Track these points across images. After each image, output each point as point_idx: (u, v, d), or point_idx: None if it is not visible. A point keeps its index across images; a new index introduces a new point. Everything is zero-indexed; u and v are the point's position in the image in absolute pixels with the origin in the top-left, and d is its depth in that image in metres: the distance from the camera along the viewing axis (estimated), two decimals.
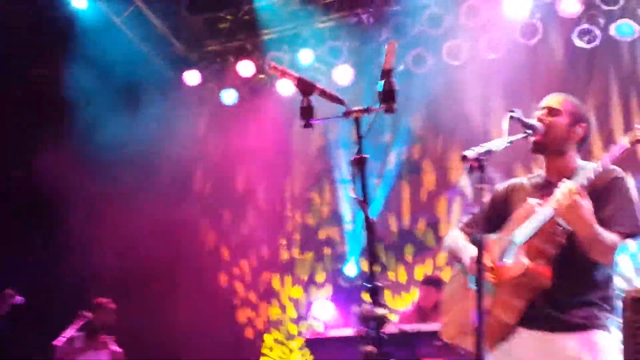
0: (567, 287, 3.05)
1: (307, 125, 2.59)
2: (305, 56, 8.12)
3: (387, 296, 7.74)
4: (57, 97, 8.10)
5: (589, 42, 6.87)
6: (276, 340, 8.41)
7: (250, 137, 8.82)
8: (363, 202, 2.40)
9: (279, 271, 8.68)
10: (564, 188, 2.96)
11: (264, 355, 8.37)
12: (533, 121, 3.19)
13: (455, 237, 3.42)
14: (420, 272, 7.80)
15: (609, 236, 3.00)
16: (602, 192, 3.09)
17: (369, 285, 2.34)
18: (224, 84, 8.59)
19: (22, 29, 7.70)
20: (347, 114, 2.53)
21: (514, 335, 3.11)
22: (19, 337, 7.17)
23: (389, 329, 2.30)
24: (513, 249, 3.11)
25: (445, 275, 7.63)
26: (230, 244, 8.99)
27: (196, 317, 8.19)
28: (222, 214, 9.07)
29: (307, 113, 2.59)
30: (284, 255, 8.72)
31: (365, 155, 2.45)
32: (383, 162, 8.07)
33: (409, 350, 5.56)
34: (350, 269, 8.17)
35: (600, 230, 2.97)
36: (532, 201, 3.18)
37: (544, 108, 3.27)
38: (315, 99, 2.68)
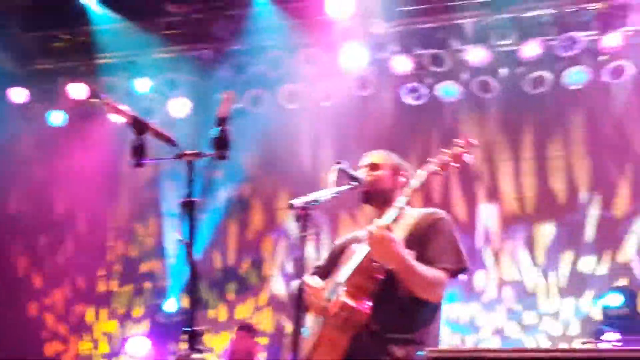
0: (388, 324, 3.12)
1: (138, 165, 2.53)
2: (142, 85, 7.97)
3: (206, 335, 7.63)
4: None
5: (415, 99, 7.29)
6: None
7: (76, 162, 8.49)
8: (189, 244, 2.38)
9: (94, 303, 8.31)
10: (374, 224, 3.08)
11: None
12: (358, 174, 3.33)
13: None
14: (242, 310, 7.78)
15: (431, 271, 3.10)
16: (426, 233, 3.22)
17: (188, 330, 2.32)
18: (53, 105, 8.22)
19: None
20: (179, 156, 2.51)
21: None
22: None
23: None
24: (337, 288, 3.19)
25: (265, 315, 7.70)
26: (43, 271, 8.52)
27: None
28: (37, 238, 8.59)
29: (138, 152, 2.54)
30: (102, 287, 8.38)
31: (195, 199, 2.44)
32: (212, 198, 8.03)
33: None
34: (171, 305, 7.97)
35: (417, 264, 3.09)
36: (355, 245, 3.30)
37: (366, 165, 3.43)
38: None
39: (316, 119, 7.77)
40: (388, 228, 3.07)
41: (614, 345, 5.72)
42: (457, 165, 3.18)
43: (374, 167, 3.42)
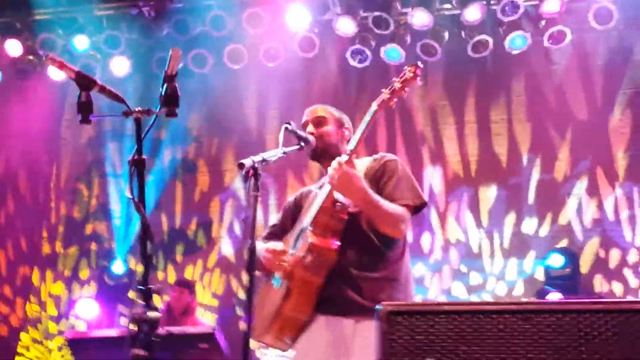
0: (357, 263, 3.18)
1: (86, 121, 2.48)
2: (81, 42, 7.72)
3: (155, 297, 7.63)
4: None
5: (360, 61, 7.23)
6: (34, 340, 7.98)
7: (14, 120, 8.26)
8: (139, 203, 2.34)
9: (38, 265, 8.22)
10: (334, 163, 3.09)
11: (19, 355, 7.90)
12: (305, 134, 3.37)
13: (259, 249, 3.43)
14: (190, 272, 7.80)
15: (394, 207, 3.16)
16: (381, 175, 3.29)
17: (142, 288, 2.29)
18: None
19: None
20: (127, 113, 2.46)
21: (313, 324, 3.21)
22: None
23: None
24: (302, 234, 3.22)
25: (214, 277, 7.74)
26: None
27: None
28: None
29: (85, 108, 2.48)
30: (46, 249, 8.28)
31: (144, 157, 2.40)
32: (157, 159, 7.93)
33: (174, 352, 5.57)
34: (118, 267, 7.93)
35: (380, 199, 3.13)
36: (313, 194, 3.35)
37: (312, 120, 3.44)
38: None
39: (261, 79, 7.66)
40: (350, 163, 3.08)
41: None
42: (406, 90, 3.18)
43: (320, 121, 3.44)
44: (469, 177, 7.29)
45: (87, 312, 7.81)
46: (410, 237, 7.13)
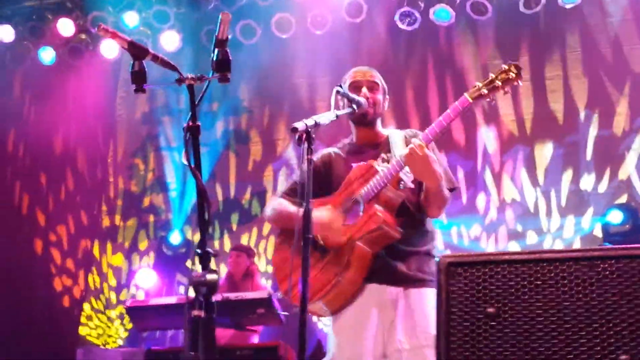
0: (407, 238, 3.23)
1: (140, 90, 2.45)
2: (131, 18, 7.83)
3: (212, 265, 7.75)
4: None
5: (409, 24, 7.15)
6: (96, 310, 8.20)
7: (70, 99, 8.43)
8: (195, 169, 2.34)
9: (99, 238, 8.42)
10: (415, 142, 3.08)
11: (82, 324, 8.14)
12: (358, 97, 3.31)
13: (283, 204, 3.44)
14: (246, 240, 7.88)
15: (446, 191, 3.22)
16: None
17: (200, 252, 2.28)
18: (41, 42, 8.08)
19: None
20: (180, 80, 2.42)
21: (360, 293, 3.24)
22: None
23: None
24: (359, 207, 3.24)
25: (270, 244, 7.80)
26: (47, 208, 8.59)
27: (8, 284, 7.81)
28: (38, 177, 8.62)
29: (139, 78, 2.45)
30: (105, 222, 8.47)
31: (198, 123, 2.39)
32: (210, 131, 8.01)
33: (232, 317, 5.65)
34: (175, 237, 8.08)
35: (444, 183, 3.18)
36: (370, 162, 3.30)
37: (367, 82, 3.39)
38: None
39: (310, 47, 7.65)
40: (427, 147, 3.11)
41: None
42: (507, 90, 3.15)
43: (373, 86, 3.41)
44: (524, 135, 7.17)
45: (146, 281, 8.01)
46: (464, 199, 7.22)
